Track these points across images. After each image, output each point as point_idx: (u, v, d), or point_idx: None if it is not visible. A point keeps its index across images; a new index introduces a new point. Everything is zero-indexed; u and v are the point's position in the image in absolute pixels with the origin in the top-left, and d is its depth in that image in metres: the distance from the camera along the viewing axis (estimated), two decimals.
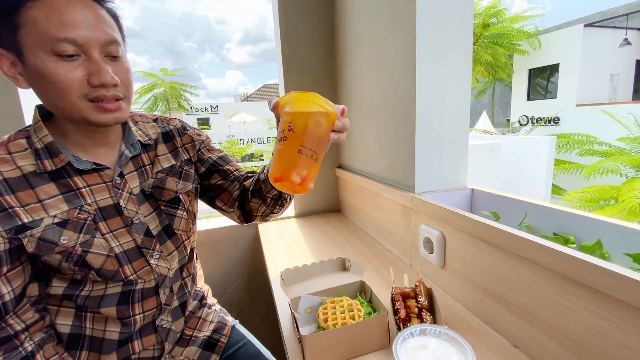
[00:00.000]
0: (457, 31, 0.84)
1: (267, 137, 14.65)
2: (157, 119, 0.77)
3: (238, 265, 1.42)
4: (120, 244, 0.63)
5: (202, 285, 0.91)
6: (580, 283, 0.47)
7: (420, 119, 0.86)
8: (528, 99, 11.51)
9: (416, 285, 0.72)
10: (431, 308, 0.68)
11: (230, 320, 0.93)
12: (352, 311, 0.66)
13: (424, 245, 0.83)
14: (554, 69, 10.58)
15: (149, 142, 0.71)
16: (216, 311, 0.91)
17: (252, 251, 1.43)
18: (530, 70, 11.37)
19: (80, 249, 0.58)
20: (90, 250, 0.59)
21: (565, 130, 8.58)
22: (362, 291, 0.75)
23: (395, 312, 0.67)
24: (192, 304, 0.82)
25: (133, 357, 0.69)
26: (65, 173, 0.59)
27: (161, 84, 15.68)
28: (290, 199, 0.75)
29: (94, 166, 0.61)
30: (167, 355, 0.74)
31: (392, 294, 0.71)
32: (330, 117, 0.51)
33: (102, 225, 0.61)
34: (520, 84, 11.80)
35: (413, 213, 0.88)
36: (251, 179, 0.77)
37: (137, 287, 0.66)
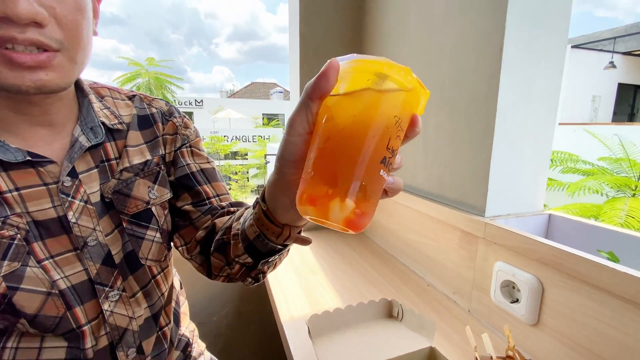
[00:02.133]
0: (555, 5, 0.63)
1: (253, 136, 14.30)
2: (134, 95, 0.52)
3: (228, 287, 1.16)
4: (66, 276, 0.40)
5: (187, 325, 0.66)
6: None
7: (503, 119, 0.64)
8: None
9: (509, 357, 0.50)
10: None
11: None
12: None
13: (501, 289, 0.61)
14: None
15: (119, 126, 0.48)
16: None
17: None
18: None
19: (3, 284, 0.37)
20: (21, 285, 0.38)
21: None
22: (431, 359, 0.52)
23: None
24: (173, 358, 0.58)
25: None
26: None
27: (145, 73, 15.02)
28: (274, 267, 0.46)
29: (29, 158, 0.39)
30: None
31: None
32: (414, 99, 0.28)
33: (38, 247, 0.39)
34: None
35: (482, 244, 0.66)
36: (226, 217, 0.50)
37: (87, 346, 0.42)
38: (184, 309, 0.67)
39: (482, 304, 0.67)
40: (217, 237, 0.48)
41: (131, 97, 0.52)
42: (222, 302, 1.16)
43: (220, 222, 0.50)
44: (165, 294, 0.53)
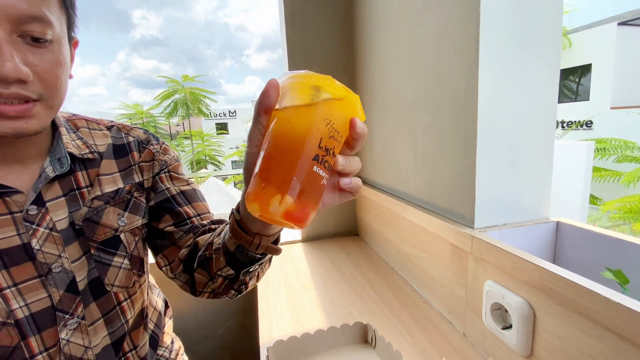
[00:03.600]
0: None
1: None
2: (112, 126, 0.55)
3: (231, 301, 1.15)
4: (27, 304, 0.41)
5: (168, 344, 0.65)
6: None
7: (485, 118, 0.56)
8: (558, 102, 10.88)
9: None
10: None
11: None
12: None
13: (492, 313, 0.54)
14: (585, 69, 9.95)
15: (89, 155, 0.49)
16: None
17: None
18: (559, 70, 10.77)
19: None
20: None
21: (599, 135, 8.03)
22: None
23: None
24: None
25: None
26: None
27: (181, 89, 15.91)
28: (256, 278, 0.49)
29: None
30: None
31: None
32: (348, 105, 0.31)
33: (0, 275, 0.40)
34: None
35: (472, 259, 0.59)
36: (207, 235, 0.52)
37: None
38: (167, 329, 0.66)
39: (476, 328, 0.59)
40: (199, 254, 0.49)
41: (109, 127, 0.54)
42: (227, 315, 1.16)
43: (202, 239, 0.51)
44: (131, 320, 0.53)
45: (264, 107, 0.30)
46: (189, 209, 0.55)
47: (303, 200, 0.28)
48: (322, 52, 1.10)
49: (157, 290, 0.67)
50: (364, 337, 0.56)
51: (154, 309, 0.61)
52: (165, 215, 0.54)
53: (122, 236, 0.50)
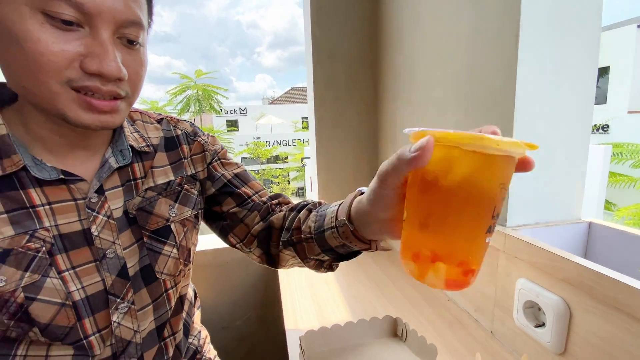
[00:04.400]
0: None
1: (292, 140, 14.59)
2: (162, 119, 0.57)
3: (250, 293, 1.17)
4: (83, 287, 0.43)
5: (197, 333, 0.67)
6: None
7: (522, 115, 0.56)
8: None
9: None
10: None
11: None
12: None
13: (524, 311, 0.54)
14: (603, 72, 9.72)
15: (146, 148, 0.51)
16: None
17: (267, 278, 1.17)
18: None
19: (22, 294, 0.39)
20: (38, 297, 0.40)
21: (616, 139, 7.84)
22: None
23: None
24: None
25: None
26: (18, 182, 0.40)
27: (194, 86, 16.09)
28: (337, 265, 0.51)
29: (62, 176, 0.42)
30: None
31: None
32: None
33: (60, 259, 0.42)
34: None
35: (504, 257, 0.59)
36: (281, 214, 0.55)
37: (91, 356, 0.44)
38: (195, 318, 0.68)
39: (504, 326, 0.59)
40: (284, 238, 0.52)
41: (159, 121, 0.56)
42: (245, 308, 1.18)
43: (277, 220, 0.54)
44: (173, 306, 0.54)
45: (415, 167, 0.27)
46: (246, 189, 0.58)
47: (468, 269, 0.26)
48: (347, 48, 1.11)
49: (189, 281, 0.68)
50: (394, 330, 0.56)
51: (187, 297, 0.63)
52: (227, 198, 0.57)
53: (172, 226, 0.51)
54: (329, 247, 0.44)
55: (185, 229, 0.53)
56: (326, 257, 0.47)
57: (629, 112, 8.71)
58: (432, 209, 0.26)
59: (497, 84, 0.59)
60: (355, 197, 0.40)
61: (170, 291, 0.52)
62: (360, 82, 1.15)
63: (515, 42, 0.54)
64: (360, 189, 0.41)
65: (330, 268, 0.51)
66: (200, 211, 0.58)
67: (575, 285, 0.45)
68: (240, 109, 20.78)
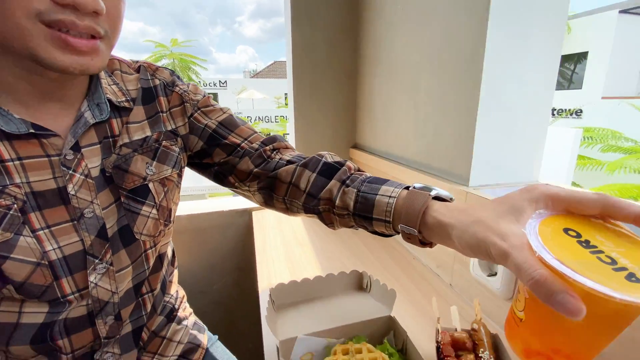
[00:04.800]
0: None
1: (275, 116, 14.30)
2: (139, 66, 0.52)
3: (227, 258, 1.19)
4: (60, 247, 0.41)
5: (174, 292, 0.68)
6: None
7: (489, 80, 0.58)
8: None
9: (473, 330, 0.48)
10: None
11: (205, 338, 0.70)
12: None
13: (479, 262, 0.58)
14: (581, 57, 9.94)
15: (126, 104, 0.48)
16: (188, 327, 0.68)
17: (244, 243, 1.19)
18: None
19: None
20: (11, 255, 0.39)
21: (588, 124, 8.14)
22: (389, 331, 0.51)
23: None
24: (155, 322, 0.59)
25: None
26: None
27: (170, 54, 15.25)
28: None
29: (32, 130, 0.39)
30: None
31: (438, 343, 0.46)
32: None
33: (34, 217, 0.40)
34: None
35: None
36: (290, 169, 0.51)
37: (60, 317, 0.44)
38: (173, 278, 0.69)
39: (462, 278, 0.64)
40: (307, 204, 0.49)
41: (137, 69, 0.52)
42: (222, 273, 1.20)
43: (286, 173, 0.51)
44: (152, 265, 0.54)
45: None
46: (234, 138, 0.55)
47: None
48: (327, 15, 1.08)
49: (169, 239, 0.69)
50: (360, 284, 0.60)
51: (167, 256, 0.63)
52: (215, 149, 0.54)
53: (150, 185, 0.49)
54: (371, 229, 0.44)
55: (165, 189, 0.51)
56: (355, 225, 0.46)
57: (603, 98, 9.01)
58: (566, 334, 0.26)
59: (468, 49, 0.60)
60: (426, 204, 0.37)
61: (150, 251, 0.51)
62: (339, 49, 1.13)
63: (486, 5, 0.55)
64: (432, 193, 0.38)
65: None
66: (183, 169, 0.55)
67: None
68: (220, 81, 19.99)
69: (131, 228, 0.47)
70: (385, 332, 0.50)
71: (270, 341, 0.51)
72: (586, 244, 0.26)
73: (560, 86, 10.78)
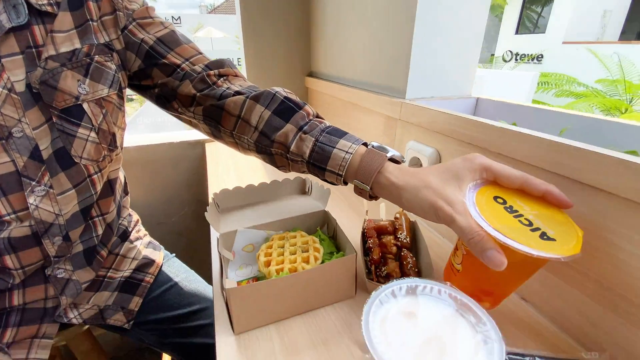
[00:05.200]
0: None
1: (237, 58, 13.29)
2: None
3: (183, 190, 1.19)
4: None
5: (126, 215, 0.68)
6: None
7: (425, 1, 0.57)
8: (517, 33, 10.91)
9: (396, 218, 0.53)
10: (414, 247, 0.51)
11: (160, 255, 0.73)
12: (307, 251, 0.46)
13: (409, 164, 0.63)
14: (548, 0, 9.87)
15: (49, 8, 0.42)
16: (142, 245, 0.71)
17: (200, 176, 1.19)
18: None
19: None
20: None
21: (548, 69, 8.39)
22: (324, 224, 0.55)
23: (367, 251, 0.49)
24: (109, 242, 0.60)
25: (9, 309, 0.49)
26: None
27: None
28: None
29: None
30: (67, 306, 0.55)
31: (363, 229, 0.52)
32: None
33: None
34: (511, 14, 11.04)
35: (400, 126, 0.66)
36: (239, 100, 0.47)
37: (3, 235, 0.44)
38: (125, 203, 0.68)
39: None
40: (259, 142, 0.46)
41: None
42: (179, 204, 1.21)
43: (234, 105, 0.47)
44: (100, 191, 0.52)
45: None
46: (174, 57, 0.50)
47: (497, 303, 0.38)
48: None
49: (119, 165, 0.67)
50: (303, 189, 0.63)
51: (118, 181, 0.61)
52: (153, 69, 0.50)
53: (85, 106, 0.45)
54: (321, 177, 0.44)
55: (103, 111, 0.48)
56: (306, 173, 0.47)
57: (564, 43, 9.18)
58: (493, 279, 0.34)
59: None
60: (382, 165, 0.39)
61: (95, 176, 0.50)
62: None
63: None
64: (389, 154, 0.40)
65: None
66: (123, 90, 0.51)
67: (445, 133, 0.53)
68: (173, 17, 17.86)
69: (68, 151, 0.45)
70: (321, 226, 0.55)
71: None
72: (510, 209, 0.33)
73: (526, 30, 10.81)
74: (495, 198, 0.35)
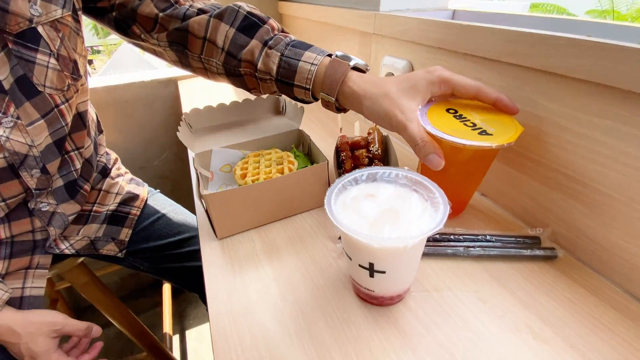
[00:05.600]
0: None
1: None
2: None
3: (160, 133, 1.17)
4: None
5: (103, 153, 0.68)
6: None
7: None
8: None
9: (369, 133, 0.55)
10: (385, 159, 0.53)
11: (144, 190, 0.74)
12: (282, 164, 0.48)
13: None
14: None
15: None
16: (123, 182, 0.71)
17: (176, 117, 1.15)
18: None
19: None
20: None
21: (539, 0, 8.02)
22: (299, 144, 0.56)
23: (340, 164, 0.51)
24: (90, 177, 0.61)
25: None
26: None
27: None
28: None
29: None
30: (56, 238, 0.57)
31: (337, 144, 0.53)
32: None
33: None
34: None
35: (374, 42, 0.64)
36: (202, 20, 0.46)
37: None
38: (101, 140, 0.67)
39: None
40: (227, 64, 0.46)
41: None
42: (159, 148, 1.19)
43: (198, 25, 0.46)
44: (70, 123, 0.51)
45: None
46: None
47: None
48: None
49: (88, 102, 0.65)
50: (277, 108, 0.63)
51: (89, 116, 0.60)
52: None
53: (40, 29, 0.43)
54: (292, 95, 0.44)
55: (60, 35, 0.45)
56: (276, 90, 0.46)
57: None
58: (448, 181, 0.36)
59: None
60: (345, 74, 0.39)
61: (63, 107, 0.48)
62: None
63: None
64: (352, 63, 0.40)
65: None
66: (79, 12, 0.48)
67: (417, 41, 0.52)
68: None
69: (30, 79, 0.44)
70: (296, 145, 0.56)
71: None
72: (459, 117, 0.36)
73: None
74: (448, 110, 0.38)
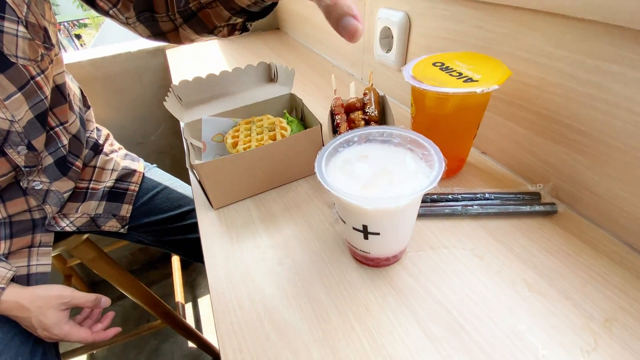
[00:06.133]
0: None
1: None
2: None
3: (154, 106, 1.14)
4: None
5: (93, 129, 0.67)
6: None
7: None
8: None
9: (364, 94, 0.52)
10: (383, 120, 0.51)
11: (140, 165, 0.74)
12: (274, 130, 0.46)
13: (380, 42, 0.59)
14: None
15: None
16: (119, 157, 0.70)
17: (167, 88, 1.12)
18: None
19: None
20: None
21: None
22: (292, 109, 0.54)
23: (335, 128, 0.49)
24: (81, 154, 0.60)
25: None
26: None
27: None
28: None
29: None
30: (55, 216, 0.57)
31: (332, 107, 0.51)
32: None
33: None
34: None
35: None
36: None
37: None
38: (89, 116, 0.66)
39: (368, 65, 0.67)
40: (179, 8, 0.44)
41: None
42: (155, 121, 1.17)
43: None
44: (49, 96, 0.50)
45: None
46: None
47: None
48: None
49: (70, 76, 0.62)
50: (269, 76, 0.60)
51: (68, 89, 0.58)
52: None
53: None
54: (240, 8, 0.40)
55: (26, 1, 0.43)
56: (238, 20, 0.43)
57: None
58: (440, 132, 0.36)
59: None
60: None
61: (39, 78, 0.47)
62: None
63: None
64: None
65: (245, 29, 0.47)
66: None
67: None
68: None
69: (0, 49, 0.41)
70: (289, 111, 0.54)
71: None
72: (445, 69, 0.35)
73: None
74: (434, 64, 0.37)
